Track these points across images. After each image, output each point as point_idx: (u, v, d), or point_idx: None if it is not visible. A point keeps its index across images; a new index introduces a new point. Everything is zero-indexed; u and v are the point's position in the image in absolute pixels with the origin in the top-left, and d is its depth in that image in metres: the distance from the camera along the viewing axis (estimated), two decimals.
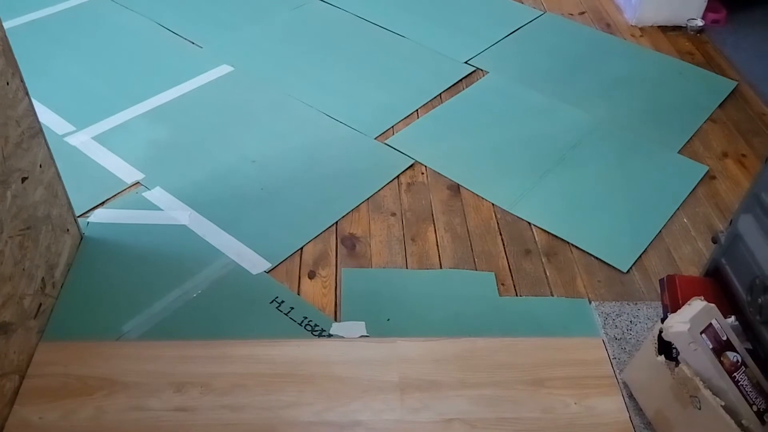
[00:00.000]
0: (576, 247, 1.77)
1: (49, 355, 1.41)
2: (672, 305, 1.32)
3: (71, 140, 2.04)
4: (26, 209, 1.39)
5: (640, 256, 1.75)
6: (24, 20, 2.61)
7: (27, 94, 1.40)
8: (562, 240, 1.79)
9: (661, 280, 1.44)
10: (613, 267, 1.72)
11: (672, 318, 1.20)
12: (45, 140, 1.49)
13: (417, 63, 2.50)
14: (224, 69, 2.40)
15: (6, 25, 2.62)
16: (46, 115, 2.12)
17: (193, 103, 2.23)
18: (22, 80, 1.38)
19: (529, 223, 1.84)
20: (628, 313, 1.56)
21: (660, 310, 1.51)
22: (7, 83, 1.32)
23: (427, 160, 2.05)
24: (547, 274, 1.70)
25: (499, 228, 1.83)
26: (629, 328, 1.52)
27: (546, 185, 1.97)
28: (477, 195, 1.93)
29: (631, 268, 1.72)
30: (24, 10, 2.66)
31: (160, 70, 2.37)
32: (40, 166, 1.46)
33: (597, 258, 1.74)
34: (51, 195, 1.51)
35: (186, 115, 2.17)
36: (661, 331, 1.23)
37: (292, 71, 2.41)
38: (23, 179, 1.38)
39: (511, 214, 1.87)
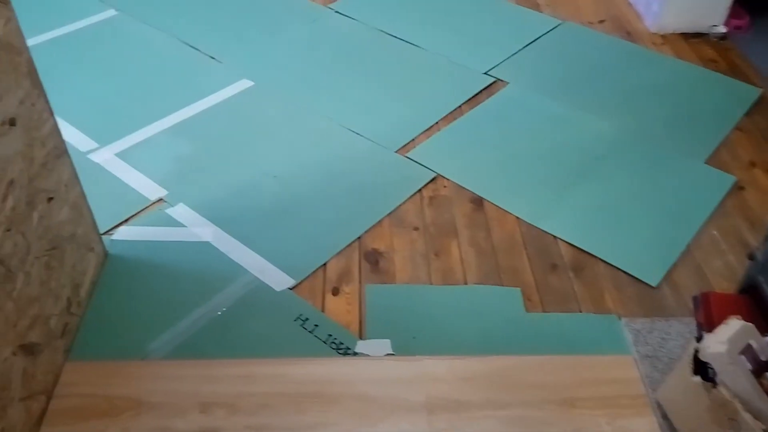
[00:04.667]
0: (603, 261, 1.74)
1: (76, 375, 1.41)
2: (707, 324, 1.29)
3: (94, 157, 2.05)
4: (52, 229, 1.39)
5: (670, 270, 1.71)
6: (46, 38, 2.63)
7: (52, 114, 1.41)
8: (589, 254, 1.76)
9: (694, 298, 1.41)
10: (643, 282, 1.68)
11: (709, 338, 1.17)
12: (70, 160, 1.49)
13: (437, 74, 2.49)
14: (244, 84, 2.41)
15: (29, 43, 2.66)
16: (69, 132, 2.14)
17: (214, 118, 2.23)
18: (46, 101, 1.38)
19: (554, 236, 1.82)
20: (659, 330, 1.52)
21: (693, 327, 1.47)
22: (33, 105, 1.32)
23: (449, 173, 2.03)
24: (575, 289, 1.67)
25: (524, 242, 1.80)
26: (661, 345, 1.49)
27: (571, 198, 1.94)
28: (501, 208, 1.91)
29: (660, 282, 1.68)
30: (46, 27, 2.69)
31: (181, 85, 2.38)
32: (65, 185, 1.47)
33: (625, 272, 1.71)
34: (76, 214, 1.52)
35: (208, 131, 2.17)
36: (696, 351, 1.20)
37: (312, 85, 2.40)
38: (49, 199, 1.38)
39: (536, 227, 1.85)
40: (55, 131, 1.42)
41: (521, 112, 2.30)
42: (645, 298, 1.64)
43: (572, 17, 2.89)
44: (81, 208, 1.55)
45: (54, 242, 1.40)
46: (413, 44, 2.66)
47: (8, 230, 1.21)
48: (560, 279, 1.69)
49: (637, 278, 1.69)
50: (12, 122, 1.24)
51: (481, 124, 2.24)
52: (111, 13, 2.83)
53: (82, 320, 1.54)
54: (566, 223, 1.86)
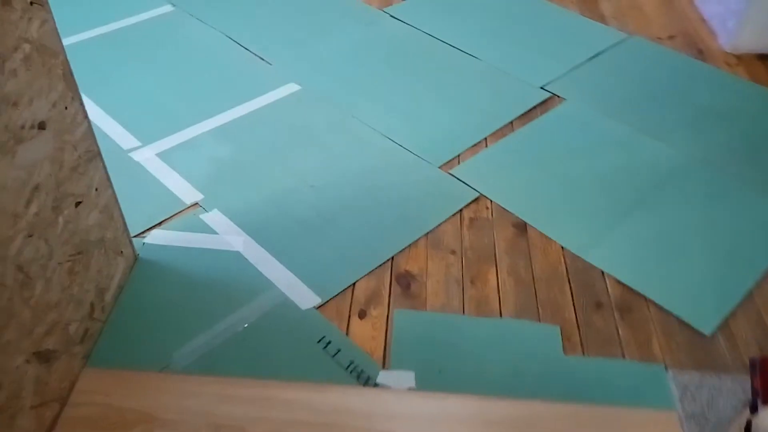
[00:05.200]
0: (653, 302, 1.61)
1: (92, 383, 1.39)
2: (764, 393, 1.15)
3: (136, 156, 2.04)
4: (78, 234, 1.37)
5: (727, 319, 1.57)
6: (102, 31, 2.66)
7: (86, 117, 1.39)
8: (639, 293, 1.63)
9: (752, 361, 1.27)
10: (695, 329, 1.54)
11: (765, 412, 1.04)
12: (102, 163, 1.48)
13: (489, 86, 2.38)
14: (291, 87, 2.37)
15: (83, 36, 2.71)
16: (114, 129, 2.15)
17: (258, 122, 2.20)
18: (81, 104, 1.36)
19: (602, 271, 1.70)
20: (709, 386, 1.39)
21: (748, 388, 1.33)
22: (66, 108, 1.30)
23: (493, 194, 1.93)
24: (620, 331, 1.55)
25: (568, 275, 1.69)
26: (710, 403, 1.35)
27: (623, 229, 1.81)
28: (545, 236, 1.80)
29: (715, 331, 1.54)
30: (102, 21, 2.72)
31: (229, 86, 2.36)
32: (96, 189, 1.45)
33: (677, 317, 1.57)
34: (106, 218, 1.50)
35: (250, 135, 2.14)
36: (749, 423, 1.07)
37: (359, 91, 2.34)
38: (77, 204, 1.36)
39: (583, 259, 1.73)
40: (89, 134, 1.40)
41: (576, 131, 2.17)
42: (696, 348, 1.50)
43: (640, 31, 2.72)
44: (112, 211, 1.53)
45: (80, 247, 1.38)
46: (467, 53, 2.56)
47: (30, 236, 1.20)
48: (604, 319, 1.57)
49: (689, 325, 1.55)
50: (42, 126, 1.22)
51: (532, 143, 2.12)
52: (167, 8, 2.84)
53: (105, 325, 1.52)
54: (616, 256, 1.73)
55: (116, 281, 1.58)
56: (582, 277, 1.68)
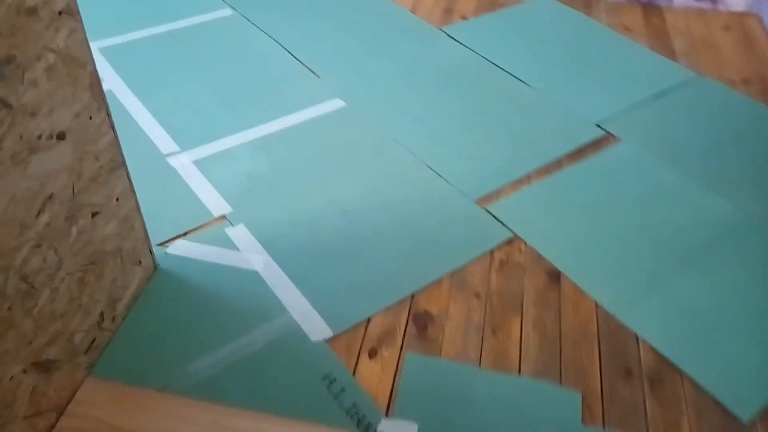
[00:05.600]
0: (689, 377, 1.47)
1: (91, 395, 1.38)
2: None
3: (173, 161, 2.04)
4: (93, 244, 1.36)
5: None
6: (163, 29, 2.70)
7: (112, 127, 1.38)
8: (674, 365, 1.50)
9: None
10: (732, 413, 1.40)
11: None
12: (127, 173, 1.46)
13: (540, 118, 2.27)
14: (336, 103, 2.32)
15: (144, 32, 2.75)
16: (156, 132, 2.16)
17: (298, 136, 2.16)
18: (107, 113, 1.35)
19: (636, 335, 1.57)
20: None
21: None
22: (90, 117, 1.29)
23: (529, 236, 1.82)
24: (647, 406, 1.42)
25: (598, 335, 1.57)
26: None
27: (666, 290, 1.68)
28: (579, 288, 1.68)
29: (754, 419, 1.39)
30: (165, 19, 2.76)
31: (275, 96, 2.34)
32: (117, 199, 1.44)
33: (713, 397, 1.43)
34: (126, 228, 1.49)
35: (288, 150, 2.11)
36: None
37: (404, 113, 2.28)
38: (94, 214, 1.35)
39: (617, 320, 1.61)
40: (114, 145, 1.39)
41: (629, 176, 2.04)
42: None
43: (712, 72, 2.55)
44: (133, 221, 1.52)
45: (93, 257, 1.37)
46: (522, 80, 2.46)
47: (38, 246, 1.19)
48: (632, 389, 1.45)
49: (725, 408, 1.41)
50: (61, 136, 1.21)
51: (579, 185, 2.01)
52: (227, 12, 2.86)
53: (115, 335, 1.51)
54: (654, 320, 1.60)
55: (131, 291, 1.57)
56: (614, 339, 1.56)
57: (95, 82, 1.30)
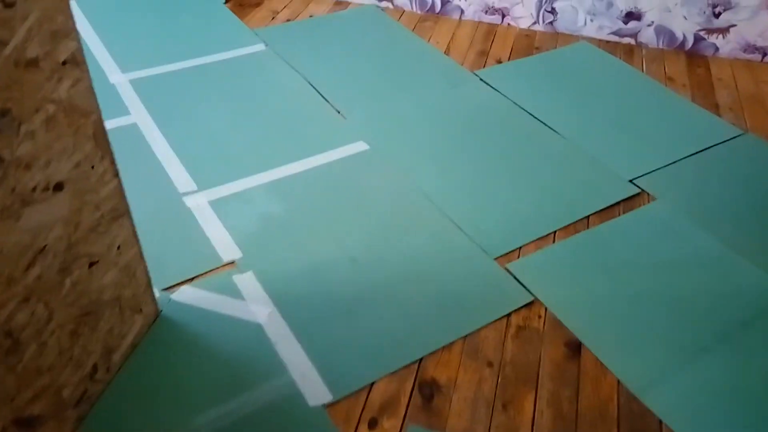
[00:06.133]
0: None
1: None
2: None
3: (189, 201, 2.01)
4: (88, 294, 1.32)
5: None
6: (195, 63, 2.70)
7: (116, 175, 1.35)
8: None
9: None
10: None
11: None
12: (130, 221, 1.43)
13: (569, 170, 2.17)
14: (360, 146, 2.27)
15: (177, 66, 2.76)
16: (175, 169, 2.14)
17: (318, 179, 2.11)
18: (112, 162, 1.32)
19: (660, 420, 1.45)
20: None
21: None
22: (92, 167, 1.26)
23: (550, 301, 1.72)
24: None
25: (618, 418, 1.45)
26: None
27: (697, 370, 1.55)
28: (601, 363, 1.57)
29: None
30: (198, 53, 2.77)
31: (298, 137, 2.31)
32: (119, 248, 1.40)
33: None
34: (126, 276, 1.45)
35: (306, 193, 2.06)
36: None
37: (428, 158, 2.21)
38: (91, 264, 1.31)
39: (640, 401, 1.48)
40: (117, 193, 1.36)
41: (662, 240, 1.92)
42: None
43: (758, 128, 2.42)
44: (134, 269, 1.48)
45: (88, 308, 1.33)
46: (553, 129, 2.37)
47: (26, 300, 1.15)
48: None
49: None
50: (58, 187, 1.18)
51: (607, 246, 1.90)
52: (260, 47, 2.86)
53: (108, 387, 1.46)
54: (680, 404, 1.47)
55: (129, 340, 1.52)
56: (635, 423, 1.44)
57: (100, 130, 1.27)
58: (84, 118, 1.21)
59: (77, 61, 1.17)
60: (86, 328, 1.34)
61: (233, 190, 2.07)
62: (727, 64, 2.81)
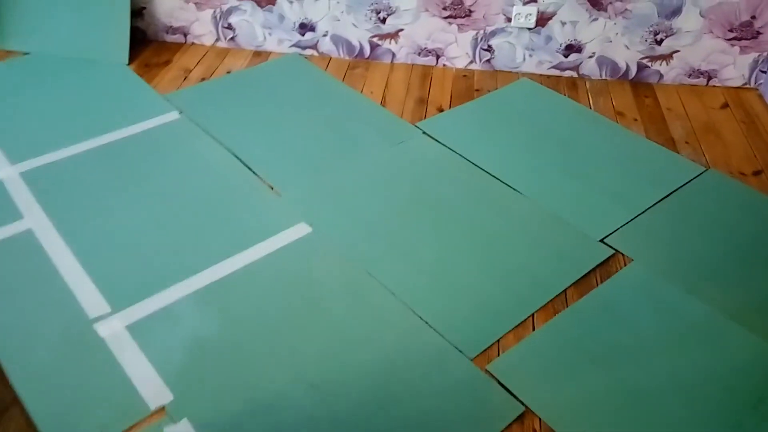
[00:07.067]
0: None
1: None
2: None
3: (101, 328, 1.67)
4: None
5: None
6: (100, 142, 2.34)
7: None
8: None
9: None
10: None
11: None
12: (24, 411, 1.10)
13: (536, 236, 1.96)
14: (301, 229, 1.99)
15: (78, 148, 2.36)
16: (84, 288, 1.79)
17: (256, 279, 1.82)
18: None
19: None
20: None
21: None
22: None
23: (543, 410, 1.49)
24: None
25: None
26: None
27: None
28: None
29: None
30: (103, 129, 2.40)
31: (229, 226, 1.99)
32: None
33: None
34: None
35: (244, 300, 1.76)
36: None
37: (381, 239, 1.95)
38: None
39: None
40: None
41: (648, 311, 1.73)
42: None
43: (717, 162, 2.29)
44: None
45: None
46: (510, 186, 2.16)
47: None
48: None
49: None
50: None
51: (592, 327, 1.69)
52: (173, 115, 2.53)
53: None
54: None
55: None
56: None
57: None
58: None
59: None
60: None
61: (155, 307, 1.74)
62: (673, 90, 2.69)
